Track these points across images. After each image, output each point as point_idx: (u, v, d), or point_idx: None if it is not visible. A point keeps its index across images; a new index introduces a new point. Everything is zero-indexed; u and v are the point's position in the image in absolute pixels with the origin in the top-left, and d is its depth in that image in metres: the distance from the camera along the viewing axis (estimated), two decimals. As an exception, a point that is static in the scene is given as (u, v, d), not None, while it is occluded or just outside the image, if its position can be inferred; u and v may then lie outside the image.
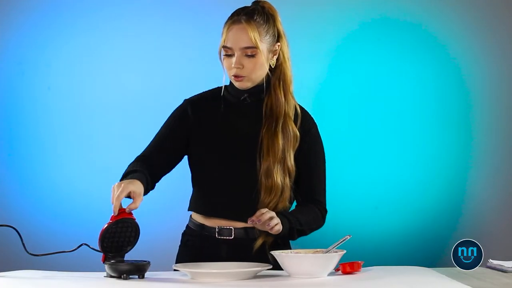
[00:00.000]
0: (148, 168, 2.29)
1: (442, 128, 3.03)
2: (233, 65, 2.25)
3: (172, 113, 2.39)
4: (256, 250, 2.25)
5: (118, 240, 2.05)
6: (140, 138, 2.98)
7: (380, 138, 3.04)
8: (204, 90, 2.41)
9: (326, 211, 2.35)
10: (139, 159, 2.35)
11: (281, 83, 2.32)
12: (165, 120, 2.40)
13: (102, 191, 3.00)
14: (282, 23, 2.32)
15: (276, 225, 2.16)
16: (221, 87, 2.37)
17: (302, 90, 3.00)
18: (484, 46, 3.04)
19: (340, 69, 3.05)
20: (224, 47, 2.26)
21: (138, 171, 2.24)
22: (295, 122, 2.32)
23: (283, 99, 2.30)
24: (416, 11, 3.03)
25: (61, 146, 3.05)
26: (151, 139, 2.39)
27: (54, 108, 3.06)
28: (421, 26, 3.03)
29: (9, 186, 3.05)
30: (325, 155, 2.38)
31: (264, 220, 2.14)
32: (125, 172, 2.27)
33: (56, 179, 3.04)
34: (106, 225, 2.03)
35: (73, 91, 3.06)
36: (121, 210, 2.06)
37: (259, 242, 2.26)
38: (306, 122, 2.35)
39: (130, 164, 2.33)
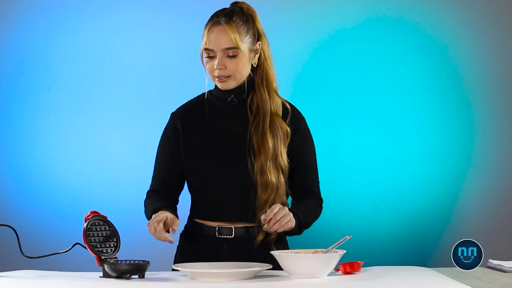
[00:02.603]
0: (167, 201, 2.31)
1: (441, 127, 3.03)
2: (215, 67, 2.26)
3: (163, 134, 2.40)
4: (258, 247, 2.26)
5: (100, 239, 2.06)
6: (140, 138, 3.00)
7: (380, 138, 3.04)
8: (188, 100, 2.42)
9: (322, 200, 2.39)
10: (153, 195, 2.35)
11: (264, 81, 2.34)
12: (160, 139, 2.40)
13: (101, 191, 3.02)
14: (266, 22, 2.36)
15: (289, 221, 2.19)
16: (205, 93, 2.39)
17: (300, 90, 3.01)
18: (484, 45, 3.04)
19: (339, 69, 3.05)
20: (206, 49, 2.28)
21: (165, 206, 2.25)
22: (285, 118, 2.34)
23: (267, 97, 2.32)
24: (413, 10, 3.03)
25: (60, 146, 3.04)
26: (154, 167, 2.39)
27: (54, 108, 3.06)
28: (420, 24, 3.03)
29: (9, 185, 3.05)
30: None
31: (279, 218, 2.16)
32: (151, 210, 2.26)
33: (55, 178, 3.03)
34: (83, 228, 2.06)
35: (73, 91, 3.06)
36: (93, 212, 2.09)
37: (259, 238, 2.27)
38: (295, 118, 2.36)
39: (147, 201, 2.35)
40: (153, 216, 2.17)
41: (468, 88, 3.04)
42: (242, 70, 2.29)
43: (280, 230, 2.19)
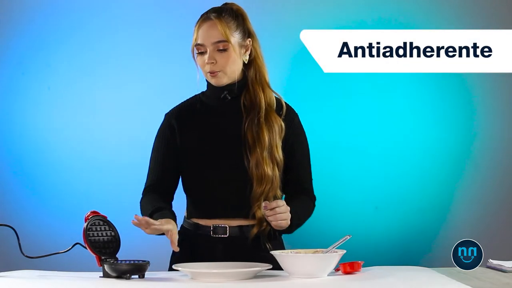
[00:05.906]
0: (162, 198, 2.32)
1: (441, 127, 3.03)
2: (206, 61, 2.28)
3: (158, 134, 2.40)
4: (251, 241, 2.27)
5: (100, 239, 2.06)
6: (139, 138, 2.99)
7: (380, 138, 3.04)
8: (181, 101, 2.43)
9: (315, 197, 2.40)
10: (150, 191, 2.35)
11: (257, 77, 2.36)
12: (154, 140, 2.40)
13: (101, 191, 3.02)
14: (259, 20, 2.41)
15: (283, 222, 2.19)
16: (198, 94, 2.41)
17: (300, 89, 3.02)
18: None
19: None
20: (196, 45, 2.30)
21: (163, 208, 2.25)
22: (279, 113, 2.35)
23: (261, 92, 2.34)
24: (412, 10, 3.04)
25: (60, 146, 3.05)
26: (148, 166, 2.39)
27: (54, 108, 3.06)
28: (419, 25, 3.03)
29: (9, 185, 3.05)
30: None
31: (278, 213, 2.16)
32: (150, 210, 2.25)
33: (55, 178, 3.03)
34: (83, 228, 2.06)
35: (73, 91, 3.06)
36: (93, 212, 2.09)
37: (254, 231, 2.28)
38: (288, 113, 2.38)
39: (143, 200, 2.34)
40: (157, 221, 2.13)
41: (470, 88, 3.04)
42: (232, 64, 2.31)
43: (272, 224, 2.19)
